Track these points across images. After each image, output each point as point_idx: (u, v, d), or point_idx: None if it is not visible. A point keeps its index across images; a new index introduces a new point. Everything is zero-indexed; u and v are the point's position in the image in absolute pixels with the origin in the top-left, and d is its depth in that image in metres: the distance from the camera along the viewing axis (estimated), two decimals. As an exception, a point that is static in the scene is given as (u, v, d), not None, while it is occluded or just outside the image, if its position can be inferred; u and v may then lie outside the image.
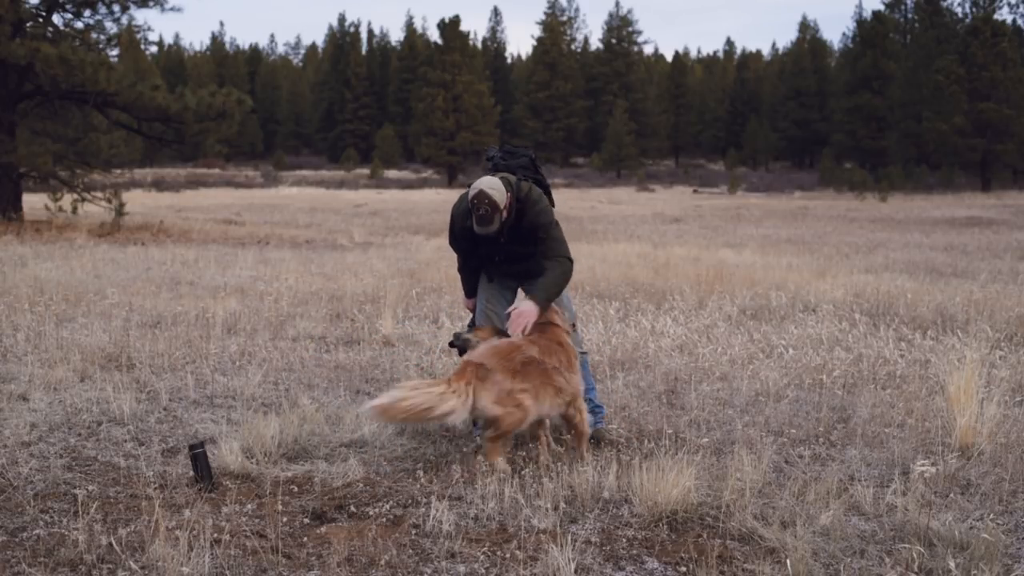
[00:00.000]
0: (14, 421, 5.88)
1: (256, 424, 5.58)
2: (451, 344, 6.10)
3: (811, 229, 25.05)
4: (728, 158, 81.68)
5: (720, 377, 7.44)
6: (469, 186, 5.90)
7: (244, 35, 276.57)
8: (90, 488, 4.82)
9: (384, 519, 4.51)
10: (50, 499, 4.71)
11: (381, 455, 5.47)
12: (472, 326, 6.13)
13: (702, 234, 23.07)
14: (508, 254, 5.84)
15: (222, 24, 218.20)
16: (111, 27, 23.14)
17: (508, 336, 5.50)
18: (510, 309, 5.56)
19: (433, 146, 66.12)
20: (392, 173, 72.75)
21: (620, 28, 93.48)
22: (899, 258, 16.96)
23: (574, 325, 5.96)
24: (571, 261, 5.75)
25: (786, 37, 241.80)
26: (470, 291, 6.15)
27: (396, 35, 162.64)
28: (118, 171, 25.79)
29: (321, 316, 9.93)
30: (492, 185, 5.54)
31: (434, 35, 79.55)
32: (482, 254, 5.93)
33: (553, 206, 6.10)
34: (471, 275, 6.09)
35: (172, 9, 23.09)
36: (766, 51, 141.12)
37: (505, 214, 5.59)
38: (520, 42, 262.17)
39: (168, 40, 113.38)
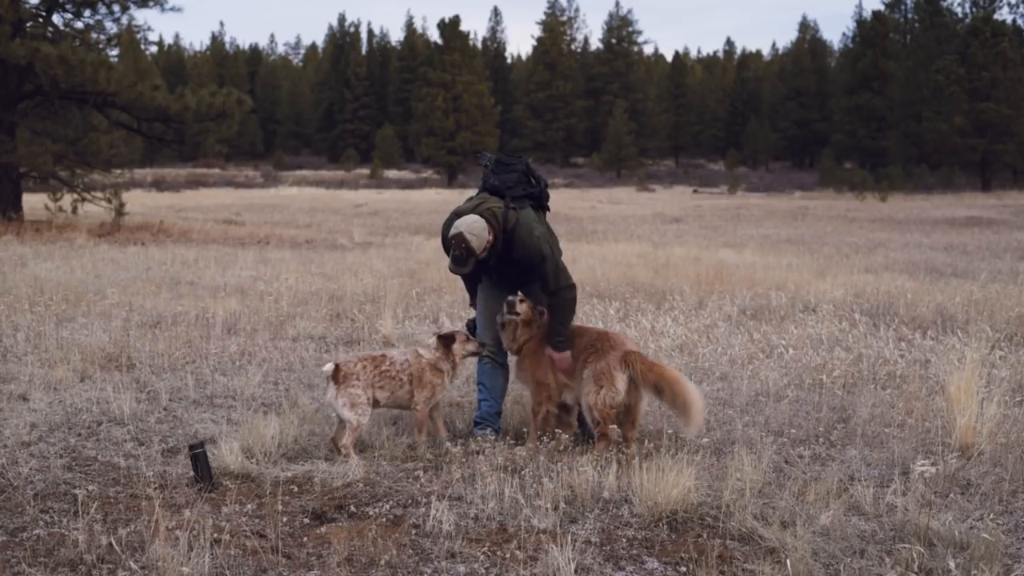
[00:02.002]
0: (14, 421, 5.88)
1: (256, 424, 5.58)
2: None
3: (811, 229, 25.04)
4: (728, 158, 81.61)
5: (720, 377, 7.45)
6: (470, 199, 5.89)
7: (244, 35, 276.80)
8: (90, 488, 4.82)
9: (384, 519, 4.51)
10: (50, 499, 4.71)
11: (381, 455, 5.47)
12: (473, 325, 6.17)
13: (702, 234, 23.06)
14: (500, 272, 5.87)
15: (222, 24, 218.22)
16: (111, 27, 23.17)
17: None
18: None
19: (433, 146, 66.10)
20: (392, 173, 72.72)
21: (620, 28, 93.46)
22: (899, 258, 16.95)
23: None
24: (573, 287, 5.76)
25: (786, 37, 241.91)
26: (472, 292, 6.19)
27: (396, 35, 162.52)
28: (118, 171, 25.75)
29: (321, 316, 9.93)
30: (472, 229, 5.48)
31: (434, 35, 79.58)
32: (494, 277, 5.99)
33: (548, 210, 6.11)
34: (471, 279, 6.11)
35: (172, 9, 23.10)
36: (766, 51, 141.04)
37: (484, 254, 5.59)
38: (520, 42, 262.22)
39: (168, 40, 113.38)
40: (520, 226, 5.64)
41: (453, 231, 5.53)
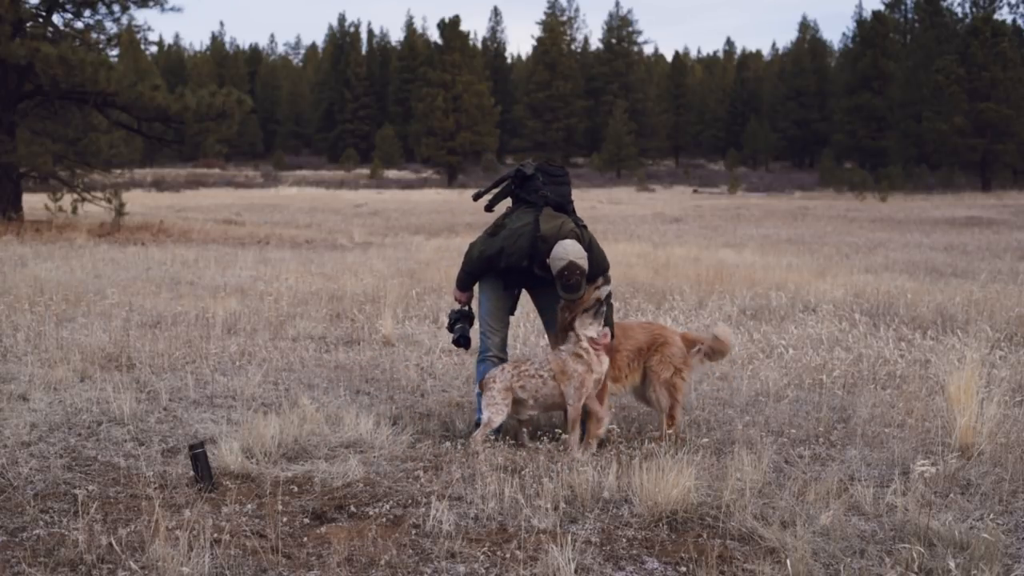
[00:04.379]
0: (14, 421, 5.88)
1: (256, 424, 5.58)
2: (451, 331, 6.13)
3: (811, 229, 25.03)
4: (728, 158, 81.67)
5: (720, 377, 7.45)
6: (524, 212, 5.87)
7: (244, 35, 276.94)
8: (90, 488, 4.82)
9: (384, 519, 4.51)
10: (50, 499, 4.71)
11: (381, 455, 5.47)
12: (463, 317, 6.11)
13: (702, 234, 23.06)
14: (537, 282, 5.94)
15: (222, 24, 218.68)
16: (111, 27, 23.18)
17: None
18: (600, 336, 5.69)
19: (433, 146, 66.13)
20: (392, 173, 72.77)
21: (620, 28, 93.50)
22: (899, 258, 16.95)
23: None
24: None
25: (786, 37, 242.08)
26: (468, 287, 6.13)
27: (396, 35, 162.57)
28: (118, 171, 25.76)
29: (321, 316, 9.93)
30: (579, 255, 5.54)
31: (434, 35, 79.64)
32: (512, 279, 6.01)
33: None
34: (478, 278, 6.08)
35: (172, 9, 23.11)
36: (766, 51, 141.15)
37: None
38: (520, 42, 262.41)
39: (168, 40, 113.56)
40: (593, 241, 5.79)
41: (561, 262, 5.51)
